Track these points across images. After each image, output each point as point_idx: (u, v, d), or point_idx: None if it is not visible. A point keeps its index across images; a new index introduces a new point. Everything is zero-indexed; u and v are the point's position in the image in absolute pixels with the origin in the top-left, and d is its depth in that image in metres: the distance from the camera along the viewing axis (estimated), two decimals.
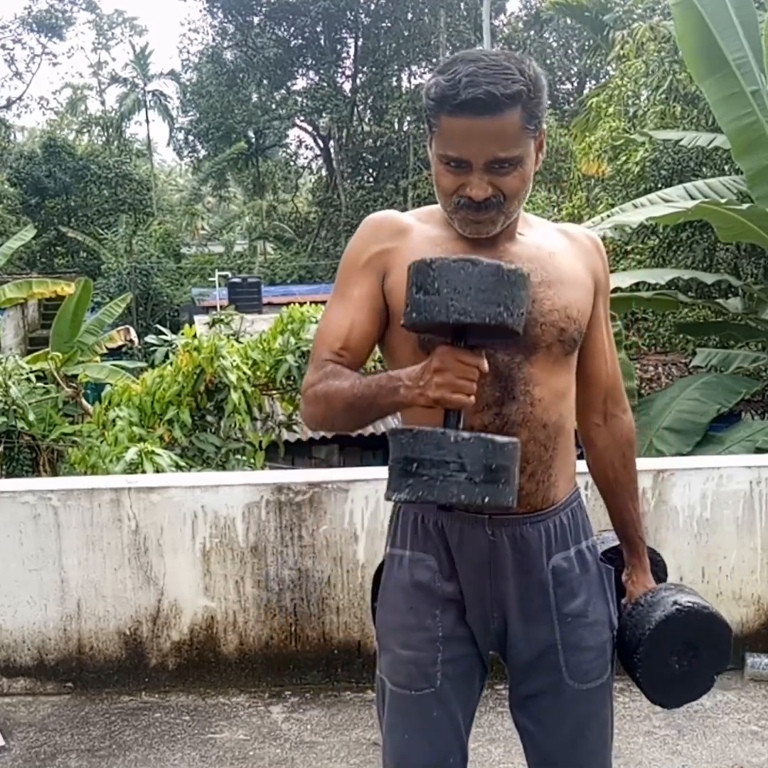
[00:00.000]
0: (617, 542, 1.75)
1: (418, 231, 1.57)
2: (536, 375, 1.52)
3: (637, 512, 1.74)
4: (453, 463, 1.27)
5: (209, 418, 5.26)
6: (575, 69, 25.46)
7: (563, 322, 1.53)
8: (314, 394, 1.50)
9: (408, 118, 28.20)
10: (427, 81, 1.47)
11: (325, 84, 28.03)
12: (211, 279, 20.15)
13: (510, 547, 1.55)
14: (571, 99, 23.93)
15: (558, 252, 1.58)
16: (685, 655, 1.62)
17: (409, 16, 28.16)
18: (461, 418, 1.34)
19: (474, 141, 1.40)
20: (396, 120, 28.48)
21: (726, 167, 8.95)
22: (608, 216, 7.42)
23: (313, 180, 34.10)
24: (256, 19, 28.69)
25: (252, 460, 5.35)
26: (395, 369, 1.48)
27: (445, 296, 1.29)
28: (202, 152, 30.50)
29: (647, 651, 1.61)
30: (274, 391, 5.69)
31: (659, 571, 1.79)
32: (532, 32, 26.17)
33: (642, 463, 3.43)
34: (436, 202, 1.58)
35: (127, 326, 12.92)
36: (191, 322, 11.03)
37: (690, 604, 1.62)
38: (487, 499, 1.28)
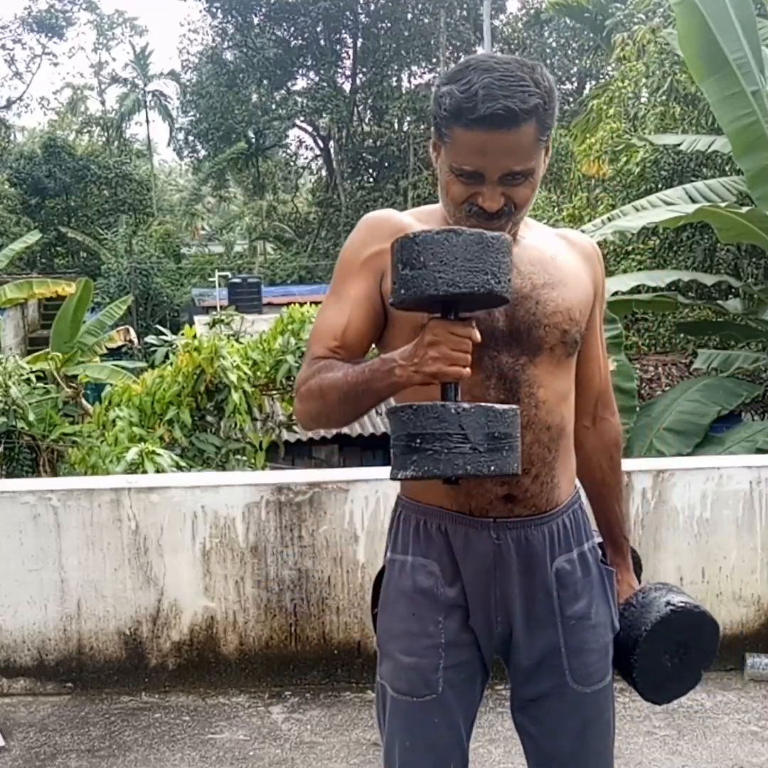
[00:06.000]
0: (599, 540, 1.76)
1: None
2: (540, 377, 1.52)
3: (622, 513, 1.79)
4: (456, 435, 1.26)
5: (209, 418, 5.26)
6: (575, 69, 25.42)
7: (566, 324, 1.53)
8: (308, 390, 1.48)
9: (408, 118, 28.22)
10: (438, 88, 1.42)
11: (325, 84, 28.02)
12: (211, 279, 20.13)
13: (515, 550, 1.54)
14: (571, 99, 23.86)
15: (559, 254, 1.58)
16: (676, 653, 1.66)
17: (409, 16, 28.15)
18: (458, 390, 1.34)
19: (489, 155, 1.38)
20: (396, 120, 28.48)
21: (726, 168, 8.94)
22: (609, 219, 7.42)
23: (313, 180, 34.10)
24: (256, 20, 28.67)
25: (252, 461, 5.34)
26: None
27: (431, 269, 1.27)
28: (202, 152, 30.50)
29: (644, 651, 1.63)
30: (274, 392, 5.69)
31: (635, 566, 1.83)
32: (531, 32, 26.14)
33: (642, 464, 3.44)
34: (434, 202, 1.58)
35: (127, 326, 12.93)
36: (191, 323, 11.04)
37: (683, 605, 1.65)
38: (493, 468, 1.27)
